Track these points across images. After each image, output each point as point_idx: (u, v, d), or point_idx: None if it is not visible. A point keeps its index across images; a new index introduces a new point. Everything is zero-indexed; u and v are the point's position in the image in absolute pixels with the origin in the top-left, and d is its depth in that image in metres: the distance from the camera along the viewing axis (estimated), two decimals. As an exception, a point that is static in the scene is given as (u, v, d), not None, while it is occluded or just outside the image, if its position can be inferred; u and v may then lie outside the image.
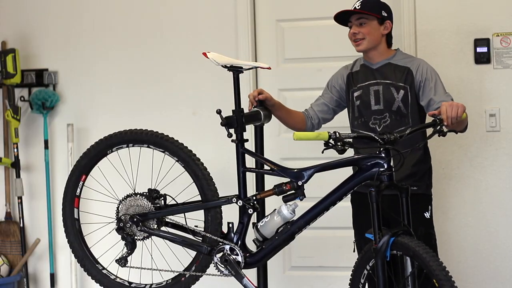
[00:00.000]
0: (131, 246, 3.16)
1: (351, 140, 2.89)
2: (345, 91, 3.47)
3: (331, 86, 3.53)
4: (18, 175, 4.76)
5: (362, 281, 2.93)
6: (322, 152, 2.85)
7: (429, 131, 3.04)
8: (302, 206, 3.03)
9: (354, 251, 3.35)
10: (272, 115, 3.38)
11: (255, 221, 3.10)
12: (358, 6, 3.32)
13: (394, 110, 3.31)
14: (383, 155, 2.88)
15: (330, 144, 2.83)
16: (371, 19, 3.33)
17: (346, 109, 3.52)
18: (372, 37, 3.34)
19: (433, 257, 2.73)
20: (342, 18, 3.40)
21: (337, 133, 2.83)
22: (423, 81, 3.30)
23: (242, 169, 3.08)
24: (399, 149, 2.90)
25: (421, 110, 3.34)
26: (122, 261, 3.16)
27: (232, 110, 3.08)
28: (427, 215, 3.33)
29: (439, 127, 2.97)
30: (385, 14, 3.37)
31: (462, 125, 3.24)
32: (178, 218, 3.18)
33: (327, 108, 3.50)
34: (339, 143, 2.81)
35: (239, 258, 3.03)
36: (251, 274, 3.18)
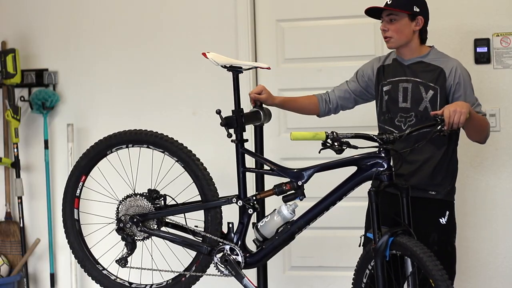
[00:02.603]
0: (131, 247, 3.17)
1: (348, 140, 2.88)
2: (374, 84, 3.35)
3: (359, 75, 3.40)
4: (18, 175, 4.75)
5: (365, 280, 2.93)
6: (319, 152, 2.85)
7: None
8: (302, 206, 3.04)
9: (360, 245, 3.29)
10: (273, 111, 3.36)
11: (255, 221, 3.10)
12: (389, 1, 3.19)
13: (421, 110, 3.18)
14: (383, 155, 2.88)
15: (328, 144, 2.82)
16: (401, 16, 3.18)
17: (374, 103, 3.41)
18: (402, 34, 3.20)
19: (430, 257, 2.73)
20: (374, 11, 3.27)
21: (334, 133, 2.82)
22: (454, 85, 3.17)
23: (242, 169, 3.09)
24: (401, 149, 2.90)
25: None
26: (122, 262, 3.16)
27: (232, 110, 3.08)
28: (442, 220, 3.19)
29: (439, 127, 2.95)
30: (417, 10, 3.19)
31: (481, 135, 3.20)
32: (178, 219, 3.18)
33: (349, 96, 3.39)
34: (336, 143, 2.81)
35: (239, 258, 3.04)
36: (251, 274, 3.18)
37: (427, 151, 3.12)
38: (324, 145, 2.82)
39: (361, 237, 3.34)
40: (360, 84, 3.38)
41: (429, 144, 3.00)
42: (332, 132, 2.81)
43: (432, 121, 2.99)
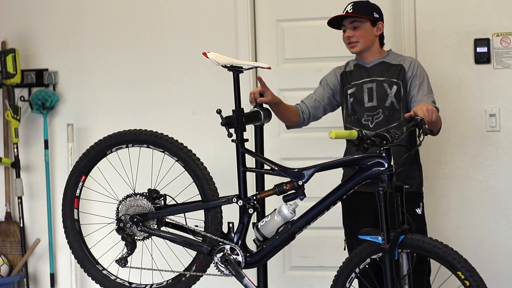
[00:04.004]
0: (131, 247, 3.16)
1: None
2: (339, 89, 3.51)
3: (324, 83, 3.56)
4: (18, 175, 4.76)
5: (348, 285, 2.90)
6: (356, 151, 2.87)
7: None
8: (302, 206, 3.03)
9: (344, 249, 3.37)
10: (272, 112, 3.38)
11: (256, 221, 3.10)
12: (350, 10, 3.39)
13: (387, 105, 3.36)
14: (384, 154, 2.88)
15: (357, 143, 2.85)
16: (364, 22, 3.40)
17: (340, 107, 3.55)
18: (366, 39, 3.41)
19: (452, 249, 2.74)
20: (335, 22, 3.46)
21: (363, 132, 2.86)
22: (412, 77, 3.38)
23: (242, 169, 3.08)
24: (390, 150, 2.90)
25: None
26: (122, 262, 3.15)
27: (232, 110, 3.08)
28: (418, 211, 3.38)
29: (424, 126, 2.98)
30: (377, 16, 3.44)
31: (436, 128, 3.32)
32: (178, 218, 3.18)
33: (319, 105, 3.52)
34: (368, 141, 2.83)
35: (240, 258, 3.03)
36: (251, 274, 3.17)
37: (398, 148, 3.14)
38: (355, 144, 2.87)
39: (345, 241, 3.37)
40: (327, 91, 3.54)
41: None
42: (361, 131, 2.86)
43: (412, 122, 3.02)
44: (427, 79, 3.41)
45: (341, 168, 3.02)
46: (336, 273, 2.93)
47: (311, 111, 3.51)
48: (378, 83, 3.40)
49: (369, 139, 2.84)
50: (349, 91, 3.45)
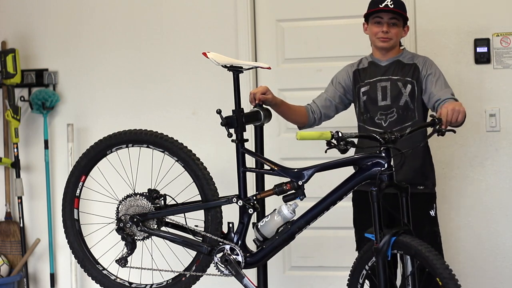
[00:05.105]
0: (131, 246, 3.17)
1: (353, 139, 2.88)
2: (351, 88, 3.48)
3: (335, 82, 3.52)
4: (18, 175, 4.75)
5: (361, 281, 2.93)
6: (326, 152, 2.84)
7: (429, 130, 3.04)
8: (302, 206, 3.03)
9: (356, 249, 3.37)
10: (273, 112, 3.37)
11: (255, 221, 3.10)
12: (391, 5, 3.33)
13: (402, 105, 3.34)
14: (383, 154, 2.88)
15: (333, 144, 2.82)
16: (400, 21, 3.38)
17: (353, 104, 3.53)
18: (397, 38, 3.41)
19: (436, 255, 2.73)
20: (374, 12, 3.39)
21: (339, 133, 2.82)
22: (427, 75, 3.36)
23: (242, 169, 3.09)
24: (400, 148, 2.89)
25: (424, 104, 3.38)
26: (122, 262, 3.16)
27: (232, 110, 3.09)
28: (432, 213, 3.37)
29: (438, 126, 2.97)
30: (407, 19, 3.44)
31: (458, 124, 3.27)
32: (178, 218, 3.18)
33: (330, 104, 3.49)
34: (342, 143, 2.81)
35: (240, 258, 3.04)
36: (251, 274, 3.18)
37: (408, 147, 3.13)
38: (329, 145, 2.82)
39: (356, 242, 3.38)
40: (338, 90, 3.50)
41: (409, 139, 3.01)
42: (337, 132, 2.81)
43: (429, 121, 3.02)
44: (442, 75, 3.39)
45: (340, 168, 3.01)
46: (351, 268, 2.98)
47: (322, 110, 3.48)
48: (392, 82, 3.37)
49: (344, 140, 2.81)
50: (362, 89, 3.42)
